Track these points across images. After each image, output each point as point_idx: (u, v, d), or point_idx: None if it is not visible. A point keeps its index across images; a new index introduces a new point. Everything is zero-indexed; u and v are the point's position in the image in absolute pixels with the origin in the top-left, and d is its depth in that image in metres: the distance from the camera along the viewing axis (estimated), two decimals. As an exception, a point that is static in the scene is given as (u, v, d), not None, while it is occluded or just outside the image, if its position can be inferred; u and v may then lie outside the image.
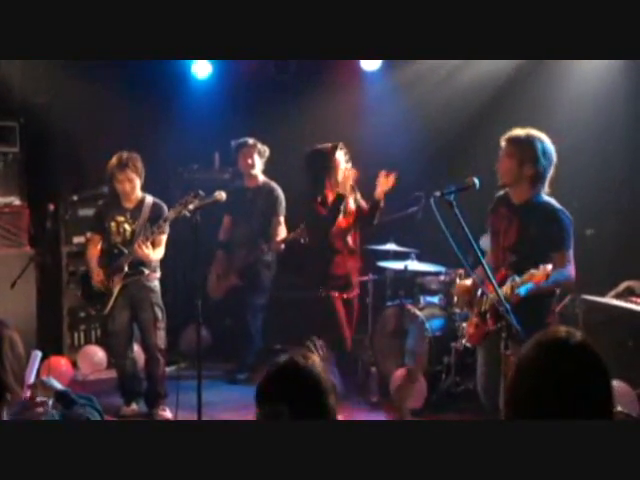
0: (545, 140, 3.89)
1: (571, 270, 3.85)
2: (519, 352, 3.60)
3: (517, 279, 3.66)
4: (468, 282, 4.19)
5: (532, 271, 3.58)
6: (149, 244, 5.09)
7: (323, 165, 5.09)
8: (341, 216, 5.29)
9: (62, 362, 6.03)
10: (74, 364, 6.27)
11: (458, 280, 5.68)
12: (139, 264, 5.18)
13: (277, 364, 2.05)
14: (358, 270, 5.55)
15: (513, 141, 3.89)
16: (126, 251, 5.17)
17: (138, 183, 5.25)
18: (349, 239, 5.42)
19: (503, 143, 3.93)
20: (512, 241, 3.93)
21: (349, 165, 5.30)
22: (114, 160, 5.19)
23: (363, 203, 5.47)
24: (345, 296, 5.37)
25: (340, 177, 5.22)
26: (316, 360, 2.06)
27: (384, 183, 5.15)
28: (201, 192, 4.80)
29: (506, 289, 3.67)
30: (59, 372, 5.60)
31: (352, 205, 5.42)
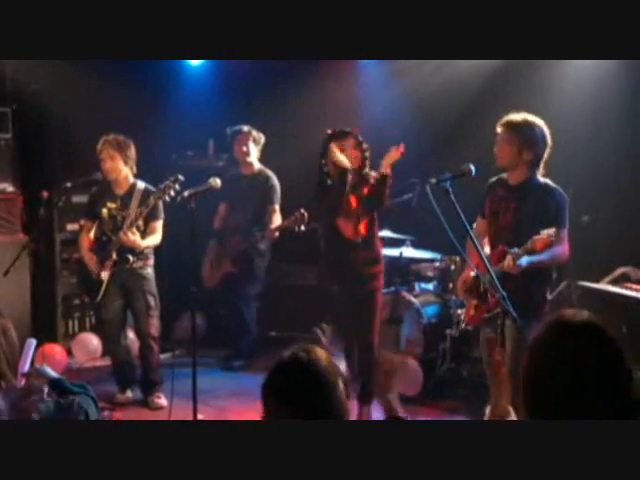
0: (541, 125, 3.97)
1: (566, 247, 3.94)
2: (515, 338, 3.66)
3: (517, 250, 3.75)
4: (471, 273, 4.22)
5: (533, 237, 3.68)
6: (135, 230, 5.06)
7: (322, 152, 4.96)
8: (351, 197, 4.81)
9: (56, 350, 6.02)
10: (68, 352, 6.26)
11: (453, 267, 5.70)
12: (126, 251, 5.15)
13: (279, 361, 2.01)
14: (369, 261, 4.87)
15: (512, 127, 3.95)
16: (114, 238, 5.15)
17: (122, 164, 5.20)
18: (360, 226, 4.85)
19: (501, 128, 3.99)
20: (510, 220, 4.01)
21: (351, 151, 4.80)
22: (100, 141, 5.22)
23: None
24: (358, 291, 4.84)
25: (336, 162, 4.79)
26: (320, 353, 2.02)
27: (391, 156, 4.62)
28: (180, 177, 4.81)
29: (507, 261, 3.76)
30: (53, 360, 5.59)
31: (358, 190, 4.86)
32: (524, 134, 3.91)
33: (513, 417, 2.20)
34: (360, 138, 4.84)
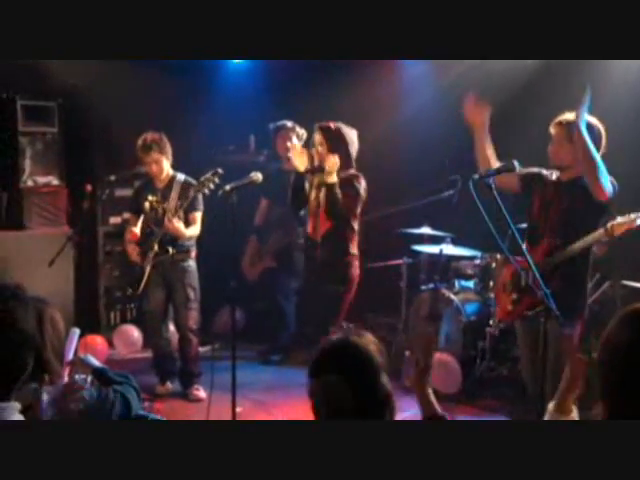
0: (599, 124, 3.90)
1: None
2: (558, 337, 3.60)
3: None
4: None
5: (613, 223, 3.68)
6: (177, 219, 5.09)
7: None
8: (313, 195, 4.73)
9: (98, 341, 6.11)
10: (110, 343, 6.35)
11: (494, 265, 5.64)
12: (167, 243, 5.20)
13: (331, 341, 2.06)
14: (330, 263, 4.72)
15: (572, 125, 3.84)
16: (156, 230, 5.20)
17: (165, 163, 5.28)
18: (320, 226, 4.73)
19: (557, 127, 3.92)
20: (560, 216, 3.94)
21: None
22: (139, 143, 5.25)
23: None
24: None
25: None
26: (370, 339, 2.06)
27: (331, 163, 4.52)
28: (220, 170, 4.85)
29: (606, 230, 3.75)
30: (95, 351, 5.67)
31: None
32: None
33: (575, 417, 2.17)
34: (322, 136, 4.64)
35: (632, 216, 3.63)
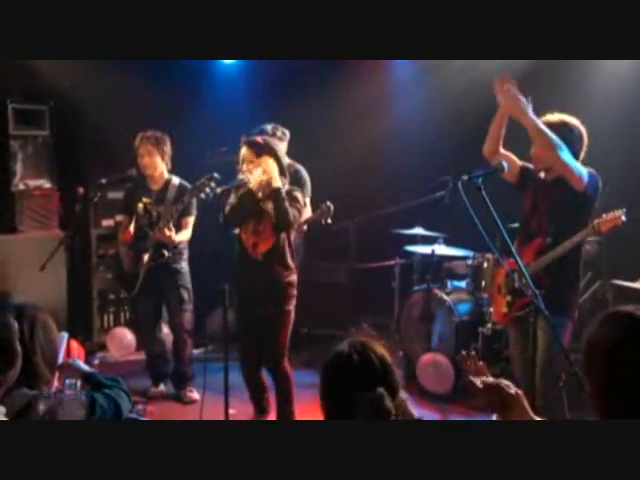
0: (578, 124, 3.90)
1: None
2: (548, 336, 3.61)
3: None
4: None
5: (599, 220, 3.70)
6: (171, 226, 5.09)
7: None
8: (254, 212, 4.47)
9: (74, 346, 6.05)
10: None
11: (485, 265, 5.66)
12: (162, 246, 5.20)
13: (352, 348, 2.07)
14: (270, 282, 4.51)
15: (550, 128, 3.81)
16: (151, 233, 5.21)
17: (160, 162, 5.28)
18: (261, 245, 4.50)
19: None
20: (550, 213, 3.93)
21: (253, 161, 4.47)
22: (137, 137, 5.29)
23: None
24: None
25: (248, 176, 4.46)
26: (384, 349, 2.10)
27: (268, 168, 4.40)
28: (216, 175, 4.77)
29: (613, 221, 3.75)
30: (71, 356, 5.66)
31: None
32: (562, 135, 3.81)
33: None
34: (250, 151, 4.45)
35: (617, 212, 3.65)
